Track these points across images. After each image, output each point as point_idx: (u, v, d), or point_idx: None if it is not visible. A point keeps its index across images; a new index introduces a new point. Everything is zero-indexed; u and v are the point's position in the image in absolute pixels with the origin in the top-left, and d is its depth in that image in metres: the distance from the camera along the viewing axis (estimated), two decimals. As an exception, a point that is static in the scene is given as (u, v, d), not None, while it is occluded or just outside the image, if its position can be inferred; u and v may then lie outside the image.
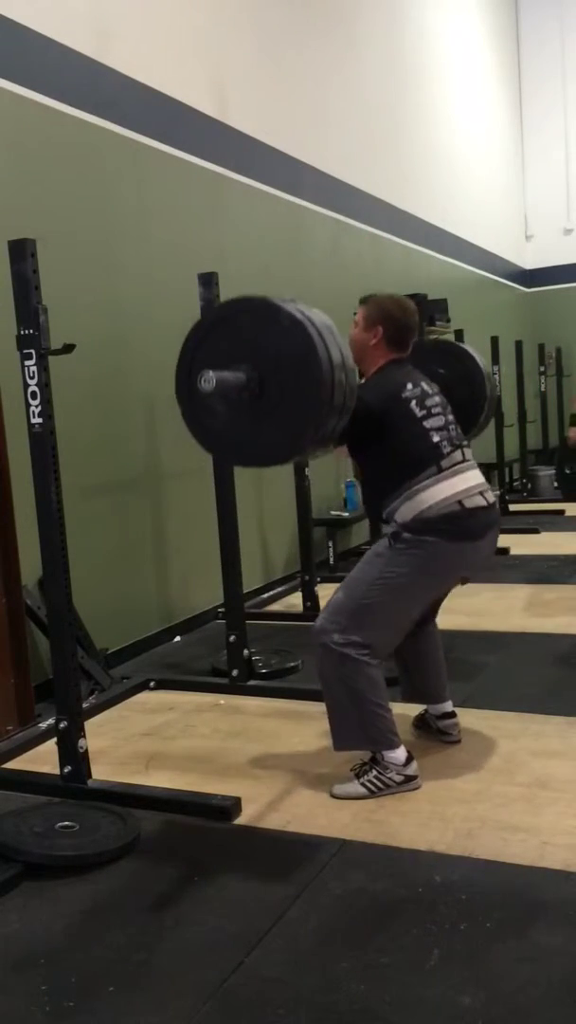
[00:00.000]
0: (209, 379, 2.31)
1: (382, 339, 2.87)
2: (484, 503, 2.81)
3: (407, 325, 2.90)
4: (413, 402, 2.77)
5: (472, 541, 2.77)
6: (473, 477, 2.83)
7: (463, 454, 2.84)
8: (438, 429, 2.79)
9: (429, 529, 2.70)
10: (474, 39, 10.40)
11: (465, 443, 2.90)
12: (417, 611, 2.84)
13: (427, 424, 2.77)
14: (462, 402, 3.28)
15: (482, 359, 3.57)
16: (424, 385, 2.86)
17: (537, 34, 11.75)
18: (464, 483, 2.78)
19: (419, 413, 2.77)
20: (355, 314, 2.94)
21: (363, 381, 2.88)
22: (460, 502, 2.74)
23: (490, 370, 3.60)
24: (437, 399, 2.86)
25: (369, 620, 2.70)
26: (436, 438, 2.77)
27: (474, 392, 3.43)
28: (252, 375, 2.38)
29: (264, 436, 2.44)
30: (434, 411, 2.81)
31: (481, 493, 2.81)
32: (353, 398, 2.41)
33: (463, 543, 2.75)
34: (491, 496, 2.86)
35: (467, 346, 3.61)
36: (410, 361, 2.95)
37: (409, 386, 2.81)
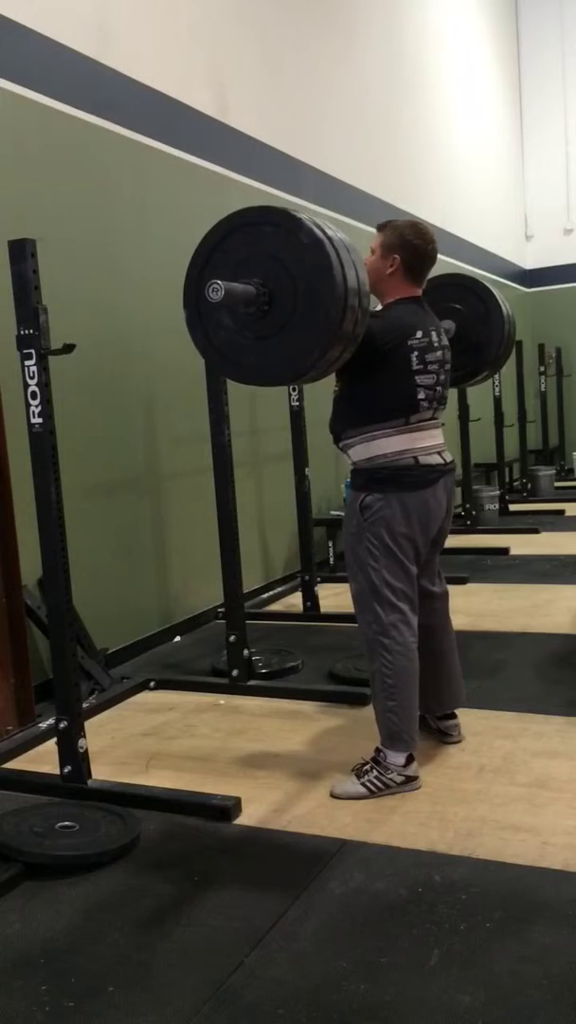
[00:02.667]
0: (217, 289, 2.25)
1: (399, 268, 2.79)
2: (440, 461, 2.84)
3: (426, 254, 2.82)
4: (415, 353, 2.73)
5: (425, 488, 2.79)
6: (433, 436, 2.84)
7: (434, 413, 2.84)
8: (426, 387, 2.77)
9: (386, 480, 2.74)
10: (474, 39, 10.40)
11: (442, 406, 2.88)
12: (411, 560, 2.83)
13: (418, 379, 2.74)
14: (479, 342, 3.23)
15: (503, 299, 3.45)
16: (433, 335, 2.79)
17: (537, 34, 11.74)
18: (422, 441, 2.79)
19: (415, 366, 2.73)
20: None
21: (378, 309, 2.83)
22: (415, 457, 2.77)
23: (509, 311, 3.45)
24: (439, 354, 2.81)
25: (381, 597, 2.76)
26: (421, 395, 2.76)
27: (492, 332, 3.36)
28: (262, 290, 2.32)
29: (268, 354, 2.39)
30: (430, 367, 2.77)
31: (439, 453, 2.84)
32: (364, 325, 2.37)
33: (417, 491, 2.77)
34: (448, 456, 2.89)
35: (494, 290, 3.49)
36: (428, 295, 2.89)
37: (419, 334, 2.74)
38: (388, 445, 2.75)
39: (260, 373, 2.53)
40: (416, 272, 2.83)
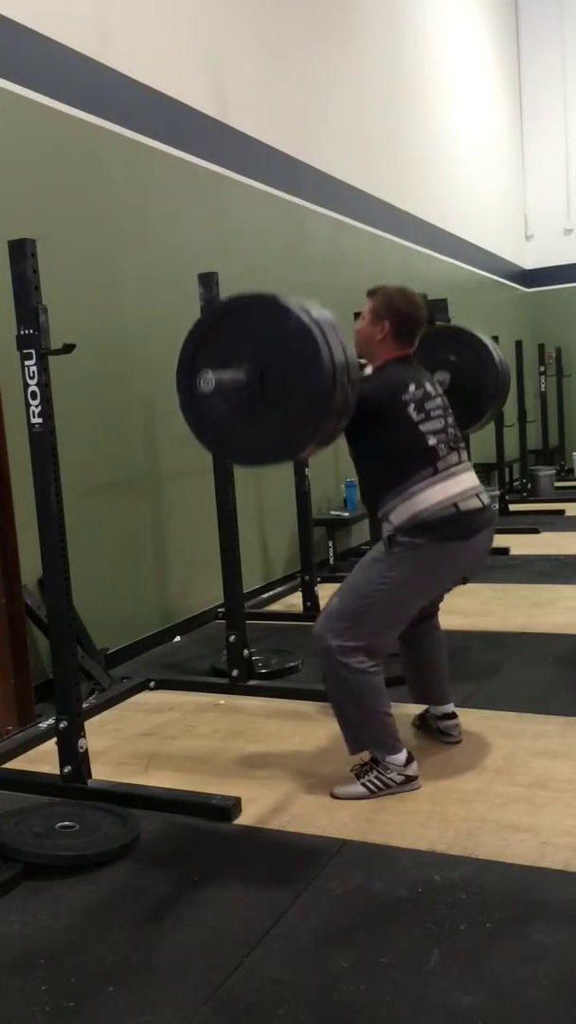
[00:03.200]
0: (208, 380, 2.30)
1: (389, 333, 2.83)
2: (480, 505, 2.81)
3: (415, 319, 2.86)
4: (412, 405, 2.75)
5: (466, 540, 2.76)
6: (468, 479, 2.82)
7: (459, 456, 2.83)
8: (435, 432, 2.77)
9: (424, 531, 2.70)
10: (474, 39, 10.40)
11: (462, 444, 2.89)
12: (413, 611, 2.83)
13: (423, 428, 2.75)
14: (474, 391, 3.25)
15: (494, 346, 3.50)
16: (427, 386, 2.84)
17: (537, 34, 11.74)
18: (458, 486, 2.77)
19: (416, 417, 2.75)
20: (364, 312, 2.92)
21: (368, 373, 2.86)
22: (455, 504, 2.74)
23: (503, 356, 3.50)
24: (438, 401, 2.84)
25: (367, 624, 2.69)
26: (432, 441, 2.75)
27: (486, 381, 3.39)
28: (253, 375, 2.36)
29: (263, 435, 2.43)
30: (433, 414, 2.79)
31: (477, 495, 2.81)
32: (354, 396, 2.40)
33: (457, 543, 2.75)
34: (486, 498, 2.86)
35: (479, 333, 3.54)
36: (421, 349, 2.92)
37: (412, 388, 2.78)
38: (427, 499, 2.71)
39: (257, 455, 2.57)
40: (406, 336, 2.86)
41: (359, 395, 2.51)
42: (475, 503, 2.79)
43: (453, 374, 3.36)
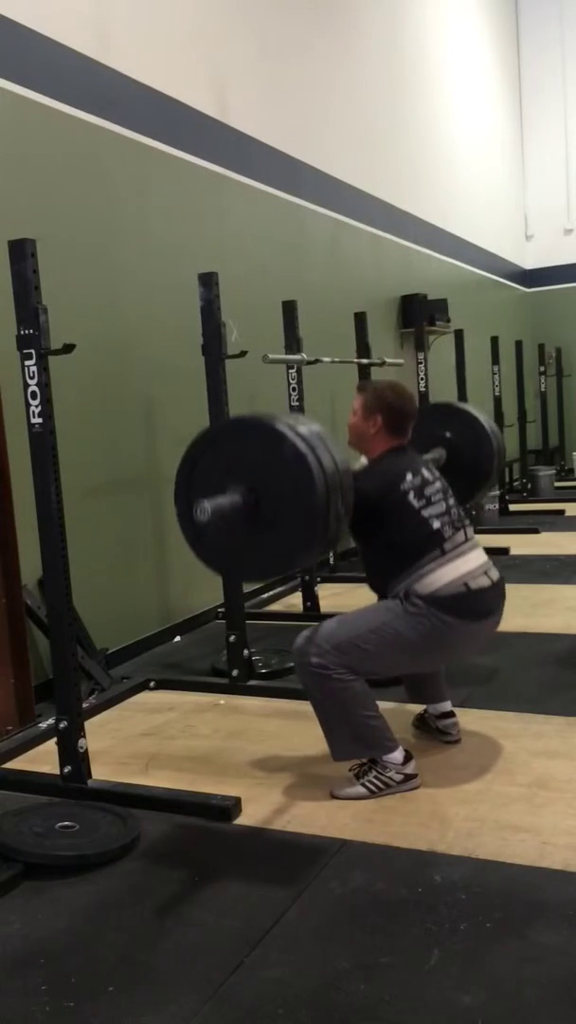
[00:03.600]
0: (204, 511, 2.33)
1: (381, 427, 2.88)
2: (489, 582, 2.83)
3: (406, 413, 2.91)
4: (411, 493, 2.78)
5: (479, 621, 2.79)
6: (476, 558, 2.84)
7: (465, 534, 2.85)
8: (439, 515, 2.80)
9: (439, 605, 2.70)
10: (474, 39, 10.40)
11: (467, 522, 2.91)
12: (407, 671, 2.83)
13: (426, 512, 2.78)
14: (470, 467, 3.30)
15: (488, 421, 3.58)
16: (424, 472, 2.87)
17: (537, 34, 11.75)
18: (467, 564, 2.79)
19: (417, 504, 2.78)
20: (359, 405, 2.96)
21: (364, 465, 2.93)
22: (466, 583, 2.76)
23: (498, 432, 3.60)
24: (437, 485, 2.87)
25: (354, 660, 2.68)
26: (436, 524, 2.78)
27: (482, 458, 3.46)
28: (249, 497, 2.42)
29: (262, 553, 2.49)
30: (434, 499, 2.82)
31: (485, 573, 2.83)
32: (350, 501, 2.45)
33: (470, 623, 2.76)
34: (495, 574, 2.88)
35: (473, 409, 3.62)
36: (414, 428, 2.97)
37: (409, 476, 2.81)
38: (438, 579, 2.72)
39: (258, 572, 2.65)
40: (398, 429, 2.90)
41: (359, 493, 2.57)
42: (485, 581, 2.81)
43: (448, 450, 3.45)
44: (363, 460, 2.99)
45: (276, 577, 2.64)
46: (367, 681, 2.74)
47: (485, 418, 3.57)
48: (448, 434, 3.48)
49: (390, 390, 2.91)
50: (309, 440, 2.37)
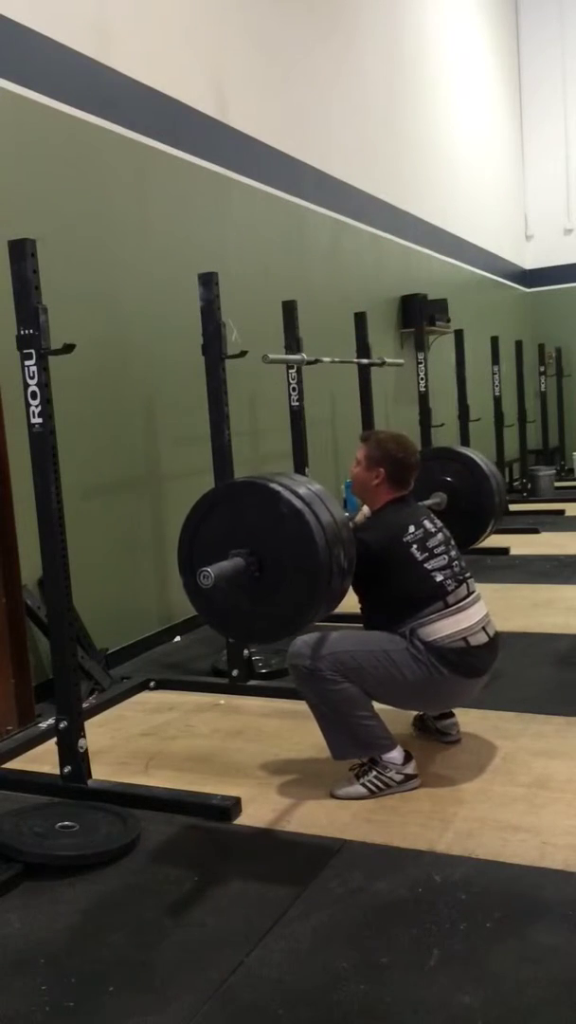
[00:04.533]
0: (208, 576, 2.35)
1: (384, 479, 2.90)
2: (487, 639, 2.84)
3: (408, 465, 2.92)
4: (414, 546, 2.79)
5: (472, 679, 2.81)
6: (477, 612, 2.85)
7: (468, 588, 2.86)
8: (441, 568, 2.80)
9: (438, 656, 2.71)
10: (474, 39, 10.41)
11: (469, 576, 2.91)
12: (384, 701, 2.82)
13: (429, 565, 2.79)
14: (472, 506, 3.31)
15: (487, 463, 3.61)
16: (427, 524, 2.88)
17: (537, 34, 11.75)
18: (469, 620, 2.80)
19: (420, 557, 2.78)
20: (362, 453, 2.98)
21: (366, 517, 2.95)
22: (465, 639, 2.77)
23: (497, 473, 3.66)
24: (439, 537, 2.88)
25: (348, 671, 2.68)
26: (439, 577, 2.78)
27: (481, 493, 3.46)
28: (251, 560, 2.44)
29: (269, 614, 2.51)
30: (436, 551, 2.82)
31: (483, 629, 2.84)
32: (352, 556, 2.48)
33: (463, 679, 2.78)
34: (492, 630, 2.90)
35: (473, 454, 3.65)
36: (417, 476, 2.99)
37: (411, 528, 2.82)
38: (438, 630, 2.73)
39: (266, 634, 2.64)
40: (399, 481, 2.92)
41: (361, 544, 2.60)
42: (483, 637, 2.83)
43: (449, 494, 3.47)
44: (365, 510, 3.02)
45: (287, 636, 2.66)
46: None
47: (484, 460, 3.63)
48: (448, 478, 3.51)
49: (393, 442, 2.92)
50: (305, 498, 2.42)
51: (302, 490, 2.45)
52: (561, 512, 8.31)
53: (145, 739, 3.38)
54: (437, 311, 8.16)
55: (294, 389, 4.88)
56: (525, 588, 5.43)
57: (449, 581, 2.80)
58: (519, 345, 9.46)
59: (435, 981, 1.87)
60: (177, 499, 4.79)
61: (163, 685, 3.96)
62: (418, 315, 7.48)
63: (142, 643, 4.55)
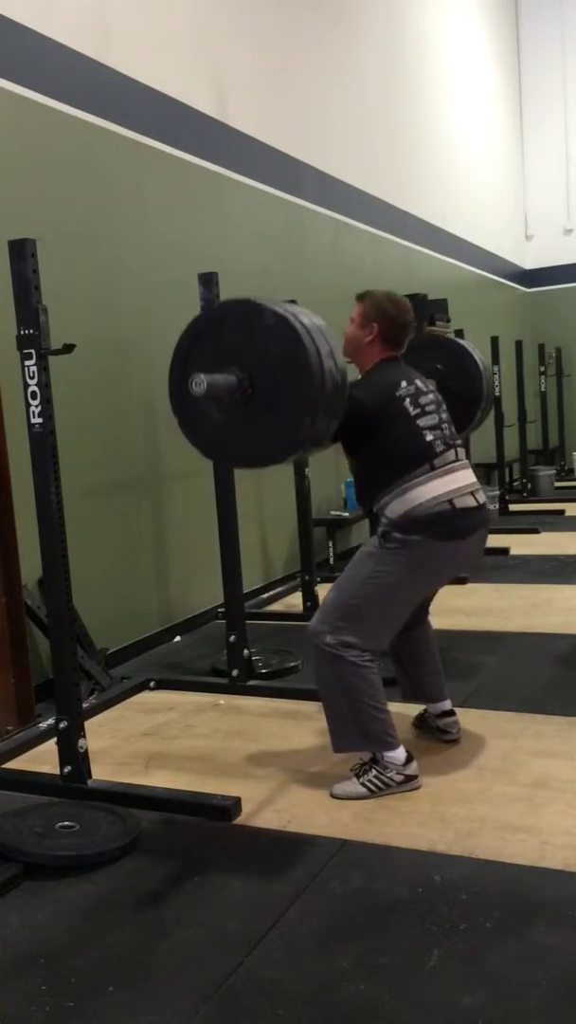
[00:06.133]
0: (200, 382, 2.31)
1: (377, 337, 2.87)
2: (474, 503, 2.82)
3: (403, 323, 2.90)
4: (407, 400, 2.77)
5: (460, 540, 2.77)
6: (464, 477, 2.83)
7: (456, 453, 2.84)
8: (431, 428, 2.79)
9: (418, 528, 2.70)
10: (474, 39, 10.40)
11: (459, 442, 2.90)
12: (407, 609, 2.83)
13: (420, 422, 2.77)
14: (459, 398, 3.29)
15: (479, 355, 3.58)
16: (418, 383, 2.86)
17: (537, 34, 11.74)
18: (455, 483, 2.78)
19: (413, 411, 2.77)
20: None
21: (357, 379, 2.88)
22: (451, 501, 2.75)
23: (488, 366, 3.60)
24: (431, 396, 2.86)
25: (360, 619, 2.70)
26: (429, 436, 2.77)
27: (471, 388, 3.45)
28: (243, 376, 2.39)
29: (260, 437, 2.45)
30: (428, 409, 2.81)
31: (472, 493, 2.82)
32: (344, 394, 2.42)
33: (451, 542, 2.75)
34: (482, 497, 2.87)
35: (464, 342, 3.61)
36: (406, 359, 2.96)
37: (403, 384, 2.81)
38: (422, 494, 2.72)
39: (257, 457, 2.59)
40: (394, 340, 2.90)
41: (354, 401, 2.55)
42: (470, 501, 2.80)
43: (439, 382, 3.45)
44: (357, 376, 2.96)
45: (272, 463, 2.60)
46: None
47: (474, 349, 3.57)
48: (438, 366, 3.47)
49: (388, 300, 2.90)
50: (304, 323, 2.36)
51: (304, 319, 2.39)
52: (561, 512, 8.31)
53: (145, 739, 3.38)
54: (437, 311, 8.15)
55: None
56: (525, 588, 5.43)
57: (438, 443, 2.78)
58: (519, 345, 9.45)
59: (435, 981, 1.88)
60: (177, 499, 4.79)
61: (163, 685, 3.96)
62: (418, 315, 7.47)
63: (142, 643, 4.55)
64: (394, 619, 2.80)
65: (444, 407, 2.91)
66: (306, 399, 2.35)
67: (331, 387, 2.36)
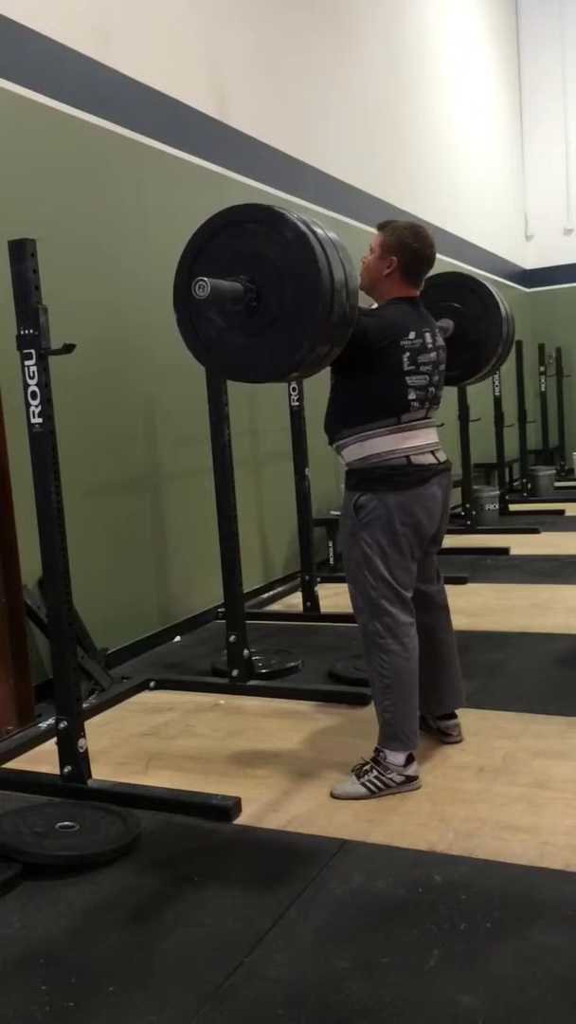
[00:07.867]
0: (204, 286, 2.24)
1: (396, 269, 2.78)
2: (433, 460, 2.82)
3: (423, 257, 2.81)
4: (407, 354, 2.72)
5: (418, 487, 2.77)
6: (425, 436, 2.83)
7: (427, 413, 2.83)
8: (417, 388, 2.76)
9: (378, 485, 2.73)
10: (474, 39, 10.40)
11: (437, 405, 2.88)
12: (410, 562, 2.82)
13: (409, 380, 2.74)
14: (477, 341, 3.25)
15: (502, 299, 3.47)
16: (427, 336, 2.78)
17: (537, 34, 11.74)
18: (415, 440, 2.78)
19: (406, 367, 2.72)
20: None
21: (373, 307, 2.84)
22: (408, 457, 2.76)
23: (509, 310, 3.48)
24: (432, 356, 2.80)
25: (379, 597, 2.75)
26: (411, 396, 2.75)
27: (490, 333, 3.37)
28: (250, 286, 2.33)
29: (257, 350, 2.40)
30: (422, 368, 2.76)
31: (432, 452, 2.83)
32: (352, 321, 2.38)
33: (413, 489, 2.76)
34: (442, 455, 2.87)
35: (488, 284, 3.50)
36: (430, 293, 2.90)
37: (411, 334, 2.73)
38: (380, 445, 2.74)
39: (251, 370, 2.53)
40: (413, 275, 2.82)
41: (359, 327, 2.49)
42: (428, 459, 2.81)
43: (458, 323, 3.37)
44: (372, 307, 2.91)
45: (268, 379, 2.55)
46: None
47: (501, 298, 3.46)
48: (459, 306, 3.37)
49: (410, 231, 2.80)
50: (319, 235, 2.30)
51: (318, 230, 2.33)
52: (561, 512, 8.31)
53: (145, 739, 3.38)
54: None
55: (294, 389, 4.89)
56: (525, 588, 5.44)
57: (416, 403, 2.76)
58: (519, 345, 9.43)
59: (435, 981, 1.87)
60: (177, 499, 4.79)
61: (163, 685, 3.96)
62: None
63: (142, 643, 4.55)
64: (400, 574, 2.79)
65: (441, 367, 2.86)
66: (310, 324, 2.29)
67: (338, 317, 2.29)
